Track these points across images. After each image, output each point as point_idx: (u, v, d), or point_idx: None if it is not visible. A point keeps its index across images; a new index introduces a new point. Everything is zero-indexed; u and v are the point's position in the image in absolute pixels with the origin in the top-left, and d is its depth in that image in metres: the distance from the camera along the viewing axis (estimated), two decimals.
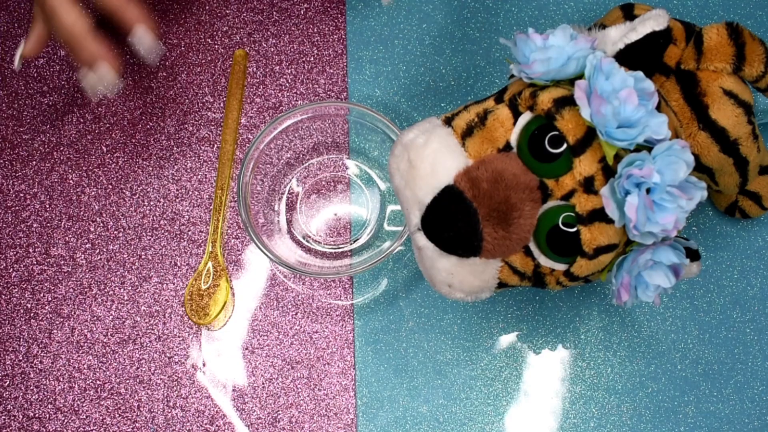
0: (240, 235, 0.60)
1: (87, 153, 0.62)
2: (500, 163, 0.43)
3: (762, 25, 0.64)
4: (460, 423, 0.57)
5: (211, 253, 0.60)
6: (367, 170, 0.61)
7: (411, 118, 0.62)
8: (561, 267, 0.44)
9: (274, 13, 0.65)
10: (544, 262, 0.44)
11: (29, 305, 0.59)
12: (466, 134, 0.44)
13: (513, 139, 0.44)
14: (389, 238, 0.59)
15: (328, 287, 0.59)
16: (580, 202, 0.42)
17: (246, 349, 0.58)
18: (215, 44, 0.64)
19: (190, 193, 0.61)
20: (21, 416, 0.58)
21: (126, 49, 0.63)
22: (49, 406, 0.58)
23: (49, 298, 0.59)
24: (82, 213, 0.61)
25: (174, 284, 0.59)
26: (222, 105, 0.63)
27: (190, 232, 0.60)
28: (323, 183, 0.61)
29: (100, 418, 0.57)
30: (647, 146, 0.41)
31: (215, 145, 0.62)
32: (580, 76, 0.43)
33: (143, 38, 0.50)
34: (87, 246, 0.60)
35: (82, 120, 0.63)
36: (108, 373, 0.58)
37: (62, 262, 0.60)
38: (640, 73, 0.41)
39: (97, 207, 0.61)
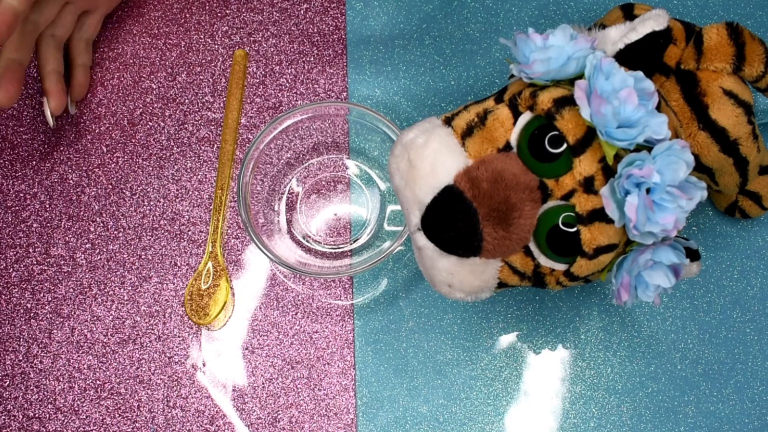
0: (240, 235, 0.60)
1: (87, 153, 0.62)
2: (500, 163, 0.43)
3: (762, 25, 0.64)
4: (460, 423, 0.57)
5: (211, 253, 0.60)
6: (367, 170, 0.61)
7: (411, 118, 0.62)
8: (561, 267, 0.44)
9: (274, 13, 0.65)
10: (544, 262, 0.44)
11: (29, 305, 0.59)
12: (466, 134, 0.44)
13: (513, 139, 0.44)
14: (389, 238, 0.59)
15: (328, 287, 0.59)
16: (580, 202, 0.42)
17: (246, 349, 0.58)
18: (215, 44, 0.64)
19: (190, 193, 0.61)
20: (21, 416, 0.58)
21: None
22: (49, 406, 0.58)
23: (49, 298, 0.59)
24: (82, 213, 0.61)
25: (174, 284, 0.59)
26: (222, 105, 0.63)
27: (190, 232, 0.60)
28: (323, 183, 0.61)
29: (100, 418, 0.57)
30: (647, 146, 0.41)
31: (215, 145, 0.62)
32: (580, 76, 0.43)
33: (45, 109, 0.59)
34: (87, 246, 0.60)
35: (82, 120, 0.63)
36: (108, 373, 0.58)
37: (62, 262, 0.60)
38: (640, 73, 0.41)
39: (97, 207, 0.61)
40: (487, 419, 0.57)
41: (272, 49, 0.64)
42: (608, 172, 0.41)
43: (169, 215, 0.61)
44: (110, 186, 0.61)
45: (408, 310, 0.59)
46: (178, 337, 0.59)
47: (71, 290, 0.59)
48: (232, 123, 0.62)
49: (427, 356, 0.58)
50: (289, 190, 0.61)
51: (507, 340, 0.59)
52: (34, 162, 0.62)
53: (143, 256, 0.60)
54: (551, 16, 0.65)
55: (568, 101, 0.42)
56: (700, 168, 0.51)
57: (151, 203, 0.61)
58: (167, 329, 0.59)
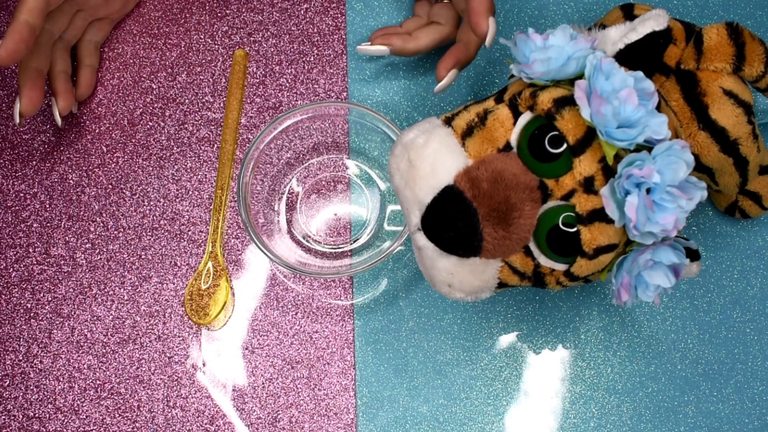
0: (240, 235, 0.60)
1: (87, 153, 0.62)
2: (500, 163, 0.43)
3: (762, 25, 0.64)
4: (460, 423, 0.57)
5: (211, 253, 0.60)
6: (367, 170, 0.61)
7: (411, 118, 0.62)
8: (561, 267, 0.44)
9: (274, 13, 0.65)
10: (544, 262, 0.44)
11: (29, 305, 0.59)
12: (466, 134, 0.44)
13: (513, 139, 0.44)
14: (389, 238, 0.59)
15: (328, 287, 0.59)
16: (580, 202, 0.42)
17: (246, 349, 0.58)
18: (215, 44, 0.64)
19: (190, 193, 0.61)
20: (21, 416, 0.58)
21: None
22: (49, 406, 0.58)
23: (49, 298, 0.59)
24: (82, 213, 0.61)
25: (174, 284, 0.59)
26: (222, 105, 0.63)
27: (190, 232, 0.60)
28: (323, 183, 0.61)
29: (100, 418, 0.57)
30: (647, 146, 0.41)
31: (215, 145, 0.62)
32: (580, 76, 0.43)
33: (54, 110, 0.59)
34: (87, 246, 0.60)
35: (82, 120, 0.63)
36: (108, 373, 0.58)
37: (62, 262, 0.60)
38: (640, 73, 0.41)
39: (97, 207, 0.61)
40: (487, 419, 0.57)
41: (272, 49, 0.64)
42: (608, 172, 0.41)
43: (169, 215, 0.61)
44: (110, 186, 0.61)
45: (408, 310, 0.59)
46: (178, 337, 0.59)
47: (71, 290, 0.59)
48: (232, 123, 0.62)
49: (427, 356, 0.58)
50: (289, 190, 0.61)
51: (507, 340, 0.59)
52: (34, 162, 0.62)
53: (143, 256, 0.60)
54: (551, 16, 0.65)
55: (568, 101, 0.42)
56: (700, 168, 0.51)
57: (151, 203, 0.61)
58: (167, 329, 0.59)
